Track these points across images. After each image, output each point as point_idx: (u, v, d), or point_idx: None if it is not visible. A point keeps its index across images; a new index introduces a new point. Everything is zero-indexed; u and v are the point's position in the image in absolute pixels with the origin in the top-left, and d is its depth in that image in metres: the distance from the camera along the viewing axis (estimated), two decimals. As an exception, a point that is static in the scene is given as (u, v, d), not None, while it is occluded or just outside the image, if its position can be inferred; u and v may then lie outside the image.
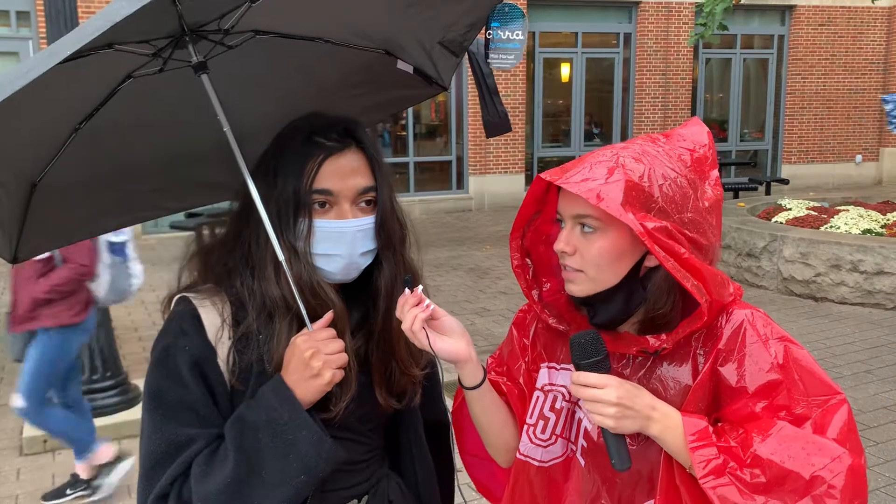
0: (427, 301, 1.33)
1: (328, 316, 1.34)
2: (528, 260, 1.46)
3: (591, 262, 1.27)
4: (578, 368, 1.25)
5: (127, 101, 1.51)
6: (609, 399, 1.21)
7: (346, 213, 1.37)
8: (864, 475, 1.16)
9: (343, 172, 1.37)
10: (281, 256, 1.33)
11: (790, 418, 1.20)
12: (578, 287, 1.30)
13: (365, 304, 1.46)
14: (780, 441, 1.16)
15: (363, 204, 1.40)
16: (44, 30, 8.44)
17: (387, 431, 1.56)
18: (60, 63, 1.06)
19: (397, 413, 1.52)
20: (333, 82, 1.73)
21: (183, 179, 1.79)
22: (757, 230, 8.35)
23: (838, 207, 9.45)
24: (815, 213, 9.00)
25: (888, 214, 8.77)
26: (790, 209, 9.42)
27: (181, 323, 1.36)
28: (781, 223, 8.85)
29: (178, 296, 1.41)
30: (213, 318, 1.36)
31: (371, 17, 1.61)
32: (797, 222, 8.72)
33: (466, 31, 1.72)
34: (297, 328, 1.35)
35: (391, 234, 1.44)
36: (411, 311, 1.31)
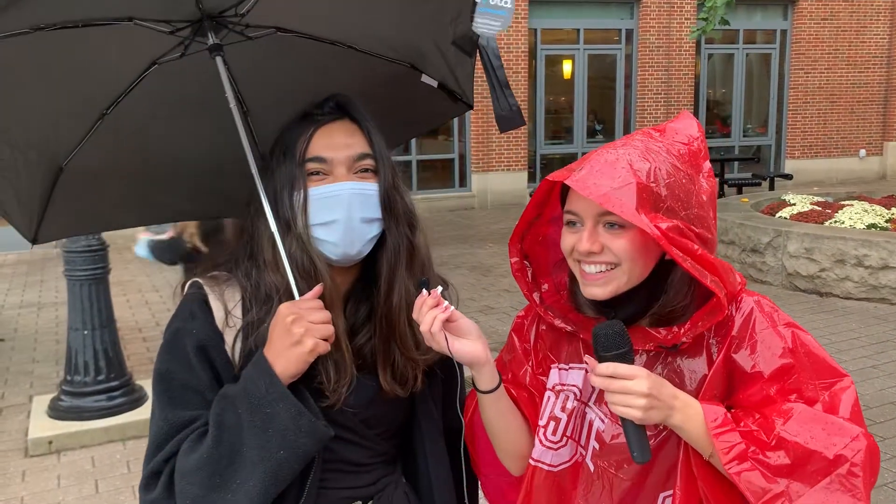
0: (445, 303, 1.31)
1: (317, 289, 1.33)
2: (526, 262, 1.45)
3: (625, 256, 1.26)
4: (602, 360, 1.23)
5: (153, 96, 1.52)
6: (640, 390, 1.18)
7: (342, 179, 1.37)
8: (879, 453, 1.19)
9: (335, 139, 1.38)
10: (274, 229, 1.34)
11: (801, 401, 1.22)
12: (606, 288, 1.27)
13: (370, 298, 1.45)
14: (800, 422, 1.18)
15: (362, 172, 1.40)
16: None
17: (402, 438, 1.54)
18: (79, 26, 1.07)
19: (413, 420, 1.51)
20: (355, 93, 1.73)
21: (203, 187, 1.80)
22: (761, 226, 8.33)
23: (842, 202, 9.41)
24: (820, 209, 8.97)
25: (892, 209, 8.74)
26: (794, 204, 9.39)
27: (191, 306, 1.38)
28: (786, 218, 8.82)
29: (192, 280, 1.43)
30: (220, 304, 1.37)
31: (386, 17, 1.61)
32: (801, 217, 8.69)
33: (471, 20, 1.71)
34: None
35: (394, 206, 1.42)
36: (430, 313, 1.29)
